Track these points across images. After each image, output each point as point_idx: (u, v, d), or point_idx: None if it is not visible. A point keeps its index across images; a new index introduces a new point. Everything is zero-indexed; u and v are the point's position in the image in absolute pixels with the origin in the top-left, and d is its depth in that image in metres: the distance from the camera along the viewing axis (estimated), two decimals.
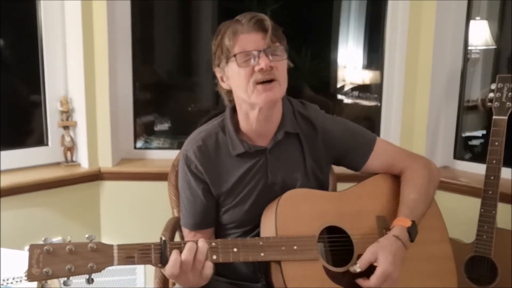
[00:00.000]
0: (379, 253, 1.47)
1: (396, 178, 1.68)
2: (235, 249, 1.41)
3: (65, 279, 1.27)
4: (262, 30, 1.46)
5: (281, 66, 1.49)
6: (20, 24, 2.55)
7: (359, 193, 1.63)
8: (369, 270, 1.48)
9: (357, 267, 1.47)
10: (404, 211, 1.57)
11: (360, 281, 1.48)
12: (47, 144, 2.60)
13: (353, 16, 3.08)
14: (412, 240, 1.53)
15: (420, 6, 2.54)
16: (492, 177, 2.11)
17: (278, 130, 1.60)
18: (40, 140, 2.60)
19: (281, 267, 1.44)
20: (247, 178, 1.59)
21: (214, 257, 1.39)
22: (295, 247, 1.45)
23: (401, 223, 1.53)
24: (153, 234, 1.82)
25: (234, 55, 1.46)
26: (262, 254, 1.43)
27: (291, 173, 1.61)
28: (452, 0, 2.54)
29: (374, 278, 1.45)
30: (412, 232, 1.52)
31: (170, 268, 1.33)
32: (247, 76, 1.47)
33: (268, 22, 1.46)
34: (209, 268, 1.38)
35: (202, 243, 1.37)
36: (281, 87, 1.50)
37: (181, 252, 1.35)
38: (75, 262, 1.26)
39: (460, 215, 2.23)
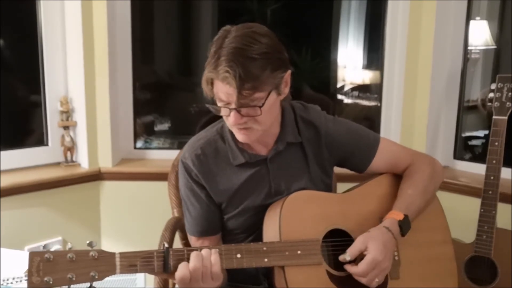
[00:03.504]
0: (369, 242, 1.45)
1: (399, 179, 1.66)
2: (238, 255, 1.40)
3: (66, 287, 1.26)
4: (232, 85, 1.35)
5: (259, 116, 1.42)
6: (20, 24, 2.55)
7: (363, 195, 1.62)
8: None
9: (347, 256, 1.46)
10: (399, 205, 1.56)
11: (348, 267, 1.46)
12: (47, 144, 2.59)
13: (353, 16, 3.08)
14: (403, 235, 1.52)
15: (420, 6, 2.54)
16: (492, 177, 2.11)
17: (279, 140, 1.57)
18: (40, 140, 2.60)
19: (284, 272, 1.43)
20: (249, 187, 1.57)
21: None
22: (298, 252, 1.44)
23: (393, 216, 1.52)
24: (153, 234, 1.82)
25: (212, 98, 1.44)
26: (265, 259, 1.42)
27: (295, 181, 1.59)
28: (452, 0, 2.54)
29: (362, 264, 1.43)
30: (403, 226, 1.51)
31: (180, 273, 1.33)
32: (224, 117, 1.47)
33: (232, 81, 1.33)
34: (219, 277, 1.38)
35: (206, 252, 1.36)
36: (259, 130, 1.46)
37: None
38: (76, 271, 1.25)
39: (460, 215, 2.23)
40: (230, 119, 1.42)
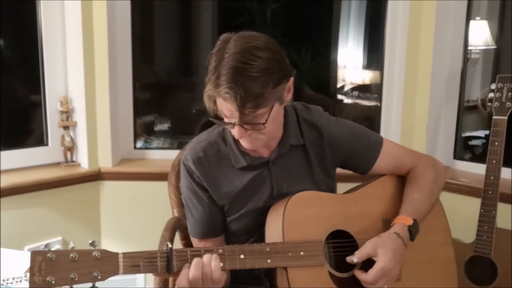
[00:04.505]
0: (379, 248, 1.45)
1: (402, 180, 1.66)
2: (242, 256, 1.39)
3: (68, 287, 1.25)
4: (233, 105, 1.34)
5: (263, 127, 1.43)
6: (20, 24, 2.55)
7: (366, 196, 1.62)
8: (367, 266, 1.47)
9: (355, 258, 1.46)
10: (407, 209, 1.55)
11: (357, 273, 1.46)
12: (47, 144, 2.59)
13: (353, 16, 3.09)
14: (412, 239, 1.51)
15: (420, 6, 2.54)
16: (492, 177, 2.11)
17: (282, 143, 1.56)
18: (40, 140, 2.60)
19: (287, 272, 1.42)
20: (251, 189, 1.57)
21: (221, 264, 1.38)
22: (301, 253, 1.44)
23: (402, 221, 1.52)
24: (153, 234, 1.82)
25: (215, 110, 1.43)
26: (268, 260, 1.41)
27: (298, 183, 1.57)
28: (452, 0, 2.55)
29: (372, 273, 1.43)
30: (413, 231, 1.51)
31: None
32: (229, 128, 1.47)
33: (233, 101, 1.32)
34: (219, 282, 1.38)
35: (207, 258, 1.36)
36: (263, 139, 1.46)
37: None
38: (79, 271, 1.24)
39: (460, 215, 2.23)
40: (234, 133, 1.42)
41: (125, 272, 1.29)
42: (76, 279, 1.24)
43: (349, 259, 1.47)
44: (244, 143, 1.47)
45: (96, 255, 1.27)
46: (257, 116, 1.37)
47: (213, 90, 1.36)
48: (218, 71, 1.34)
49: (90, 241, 1.29)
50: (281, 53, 1.42)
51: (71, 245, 1.28)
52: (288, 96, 1.46)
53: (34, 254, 1.23)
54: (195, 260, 1.35)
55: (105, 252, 1.28)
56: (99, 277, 1.26)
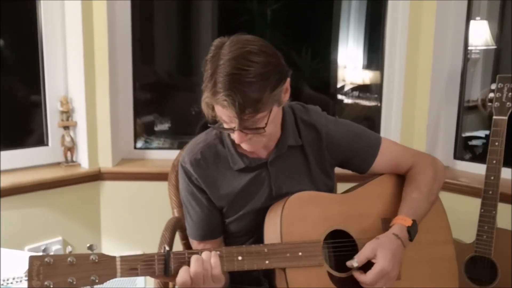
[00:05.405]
0: (378, 250, 1.45)
1: (401, 179, 1.66)
2: (239, 257, 1.39)
3: None
4: (232, 112, 1.34)
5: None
6: (20, 24, 2.55)
7: (364, 195, 1.61)
8: (366, 265, 1.46)
9: (355, 262, 1.45)
10: (406, 209, 1.55)
11: (356, 274, 1.46)
12: (47, 144, 2.60)
13: (353, 16, 3.08)
14: (411, 240, 1.51)
15: (420, 6, 2.54)
16: (492, 177, 2.11)
17: (280, 143, 1.56)
18: (40, 140, 2.60)
19: (286, 273, 1.42)
20: (250, 190, 1.57)
21: None
22: (300, 253, 1.43)
23: (401, 222, 1.51)
24: (153, 234, 1.82)
25: (214, 116, 1.43)
26: (267, 261, 1.41)
27: (296, 184, 1.57)
28: (452, 0, 2.54)
29: (371, 274, 1.43)
30: (412, 231, 1.51)
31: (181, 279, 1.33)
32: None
33: (232, 108, 1.31)
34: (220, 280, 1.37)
35: (207, 255, 1.36)
36: (264, 140, 1.46)
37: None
38: (77, 275, 1.24)
39: (460, 215, 2.23)
40: (235, 137, 1.42)
41: (122, 275, 1.29)
42: (74, 283, 1.24)
43: (349, 263, 1.46)
44: (245, 146, 1.47)
45: (94, 258, 1.27)
46: (257, 120, 1.37)
47: (210, 98, 1.35)
48: (214, 78, 1.33)
49: (88, 245, 1.29)
50: (277, 56, 1.40)
51: (69, 249, 1.28)
52: (286, 97, 1.46)
53: (32, 258, 1.23)
54: (194, 257, 1.35)
55: (102, 256, 1.28)
56: (97, 281, 1.26)
